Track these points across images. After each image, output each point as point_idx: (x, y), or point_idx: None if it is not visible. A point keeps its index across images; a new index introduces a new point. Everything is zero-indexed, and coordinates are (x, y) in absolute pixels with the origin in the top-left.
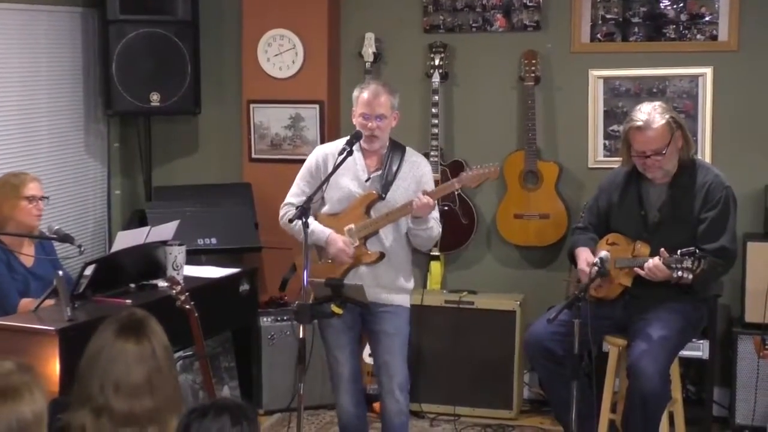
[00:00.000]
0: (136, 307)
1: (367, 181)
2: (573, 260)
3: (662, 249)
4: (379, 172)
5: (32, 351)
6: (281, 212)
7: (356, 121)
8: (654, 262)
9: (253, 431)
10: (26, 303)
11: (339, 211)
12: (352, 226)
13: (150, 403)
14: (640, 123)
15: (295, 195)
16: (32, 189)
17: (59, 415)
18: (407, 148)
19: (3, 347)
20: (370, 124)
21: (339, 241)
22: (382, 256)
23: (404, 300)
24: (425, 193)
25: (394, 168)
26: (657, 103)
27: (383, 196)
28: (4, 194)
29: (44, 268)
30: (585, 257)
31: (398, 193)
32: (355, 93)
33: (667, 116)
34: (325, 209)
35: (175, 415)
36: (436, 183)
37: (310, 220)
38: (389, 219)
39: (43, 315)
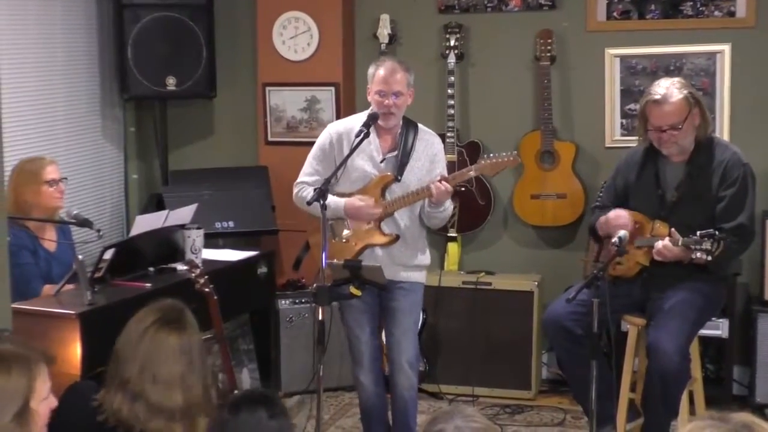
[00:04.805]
0: (155, 291)
1: (381, 161)
2: (594, 235)
3: (672, 229)
4: (394, 153)
5: (53, 335)
6: (295, 190)
7: (371, 98)
8: (663, 243)
9: (287, 422)
10: (49, 289)
11: (353, 192)
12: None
13: (180, 399)
14: (657, 97)
15: (308, 174)
16: (51, 172)
17: (94, 396)
18: (419, 125)
19: (24, 331)
20: (386, 101)
21: (356, 201)
22: (397, 238)
23: (421, 276)
24: (443, 179)
25: (409, 148)
26: (676, 79)
27: (399, 178)
28: (24, 181)
29: (66, 253)
30: (614, 209)
31: (413, 174)
32: (371, 70)
33: (685, 91)
34: (340, 189)
35: (203, 416)
36: (451, 164)
37: None
38: (406, 202)
39: (64, 299)
